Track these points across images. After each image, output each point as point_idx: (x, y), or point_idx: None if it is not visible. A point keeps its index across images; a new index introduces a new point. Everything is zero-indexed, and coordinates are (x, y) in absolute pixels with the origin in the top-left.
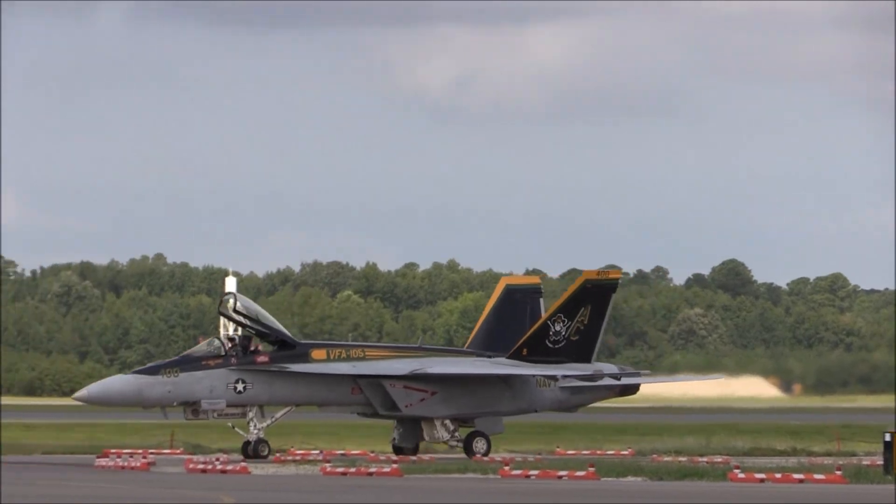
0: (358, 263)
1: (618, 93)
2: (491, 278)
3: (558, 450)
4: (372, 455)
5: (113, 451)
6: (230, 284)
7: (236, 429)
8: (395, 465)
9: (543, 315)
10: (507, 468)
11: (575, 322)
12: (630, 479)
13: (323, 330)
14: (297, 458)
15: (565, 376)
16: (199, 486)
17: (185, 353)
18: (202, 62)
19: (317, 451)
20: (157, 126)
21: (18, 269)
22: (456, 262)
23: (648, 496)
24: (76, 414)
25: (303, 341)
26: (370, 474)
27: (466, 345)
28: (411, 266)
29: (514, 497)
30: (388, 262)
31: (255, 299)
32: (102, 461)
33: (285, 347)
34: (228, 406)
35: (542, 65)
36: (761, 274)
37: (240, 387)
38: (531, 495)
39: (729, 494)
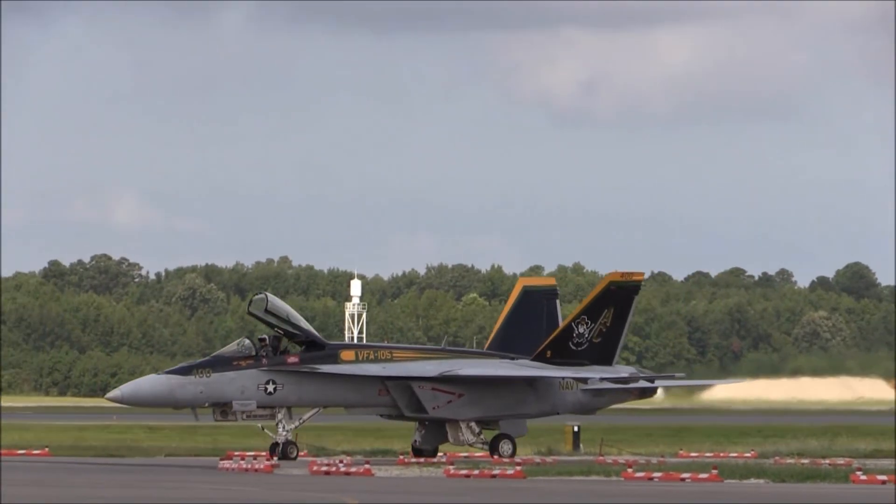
0: (483, 266)
1: (741, 95)
2: None
3: (681, 452)
4: (495, 458)
5: (236, 453)
6: (355, 287)
7: (265, 430)
8: (518, 468)
9: (565, 317)
10: (630, 470)
11: (598, 324)
12: (753, 481)
13: (448, 332)
14: (421, 460)
15: (602, 379)
16: (322, 489)
17: (217, 353)
18: (326, 64)
19: (440, 454)
20: (283, 129)
21: (143, 272)
22: (581, 265)
23: (771, 498)
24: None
25: (331, 342)
26: (493, 476)
27: (486, 346)
28: (536, 269)
29: (638, 499)
30: (514, 265)
31: (379, 303)
32: (226, 463)
33: (314, 348)
34: (258, 407)
35: (668, 68)
36: (885, 276)
37: (270, 388)
38: (655, 497)
39: (851, 496)
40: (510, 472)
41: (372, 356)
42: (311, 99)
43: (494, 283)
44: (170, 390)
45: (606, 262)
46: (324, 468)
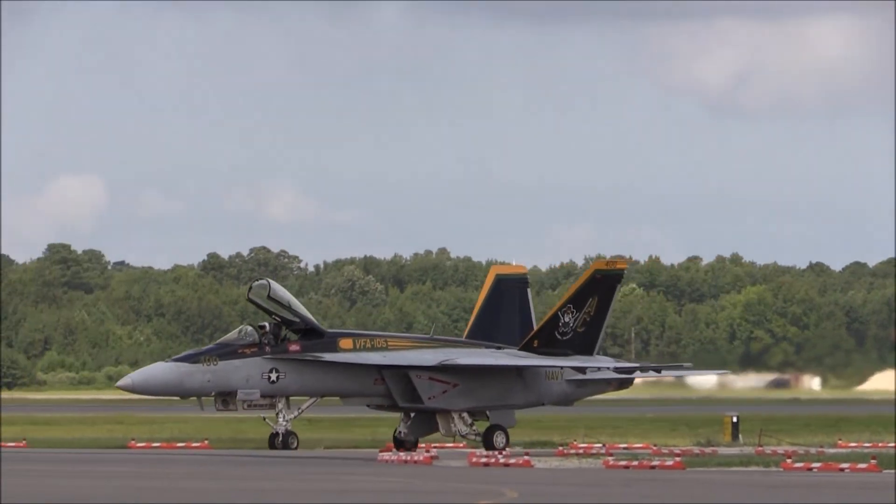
0: (641, 257)
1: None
2: (775, 271)
3: (840, 442)
4: (654, 448)
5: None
6: None
7: (267, 420)
8: (677, 459)
9: (553, 306)
10: (789, 461)
11: (582, 313)
12: None
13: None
14: (580, 451)
15: (618, 368)
16: (481, 481)
17: (221, 340)
18: (483, 56)
19: (599, 445)
20: (440, 119)
21: (301, 264)
22: (739, 256)
23: None
24: (359, 408)
25: (330, 330)
26: (652, 468)
27: (465, 335)
28: (694, 259)
29: (798, 491)
30: (671, 256)
31: (538, 294)
32: (385, 455)
33: (313, 336)
34: (261, 396)
35: (822, 59)
36: None
37: (273, 376)
38: (814, 488)
39: None
40: (669, 462)
41: (369, 345)
42: (468, 90)
43: (652, 274)
44: (179, 378)
45: (764, 252)
46: (483, 460)
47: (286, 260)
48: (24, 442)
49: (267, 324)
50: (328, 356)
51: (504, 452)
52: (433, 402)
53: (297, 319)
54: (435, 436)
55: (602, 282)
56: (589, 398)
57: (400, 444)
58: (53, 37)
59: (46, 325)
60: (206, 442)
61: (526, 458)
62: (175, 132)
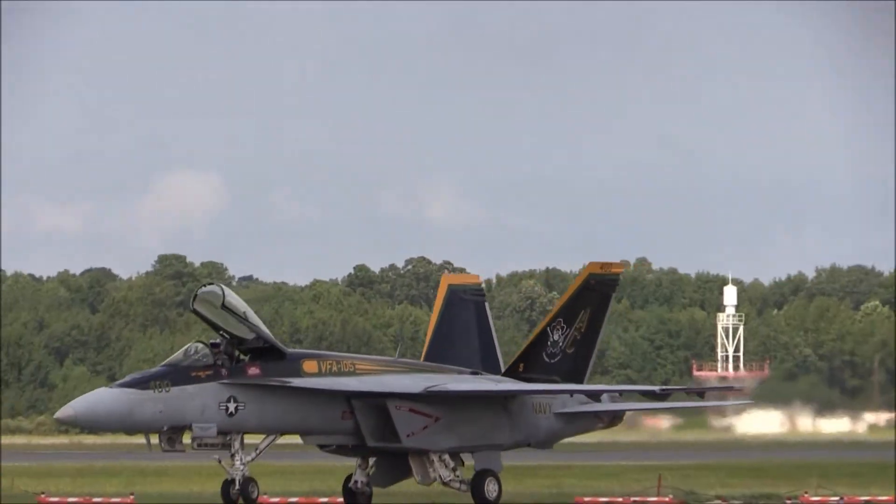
0: (886, 268)
1: None
2: None
3: None
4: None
5: (587, 498)
6: (729, 295)
7: (221, 463)
8: None
9: (540, 323)
10: None
11: (573, 330)
12: None
13: (843, 350)
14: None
15: (663, 390)
16: None
17: (169, 360)
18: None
19: (836, 498)
20: (641, 113)
21: None
22: None
23: None
24: (534, 453)
25: (291, 350)
26: None
27: (422, 357)
28: None
29: None
30: None
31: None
32: None
33: (272, 357)
34: (218, 433)
35: None
36: None
37: (231, 407)
38: None
39: None
40: None
41: (335, 368)
42: (670, 75)
43: None
44: (129, 408)
45: None
46: None
47: (450, 273)
48: (131, 497)
49: (221, 341)
50: (299, 382)
51: None
52: (412, 440)
53: (254, 335)
54: (402, 485)
55: (596, 290)
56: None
57: (352, 497)
58: (158, 27)
59: (157, 353)
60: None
61: None
62: (309, 125)
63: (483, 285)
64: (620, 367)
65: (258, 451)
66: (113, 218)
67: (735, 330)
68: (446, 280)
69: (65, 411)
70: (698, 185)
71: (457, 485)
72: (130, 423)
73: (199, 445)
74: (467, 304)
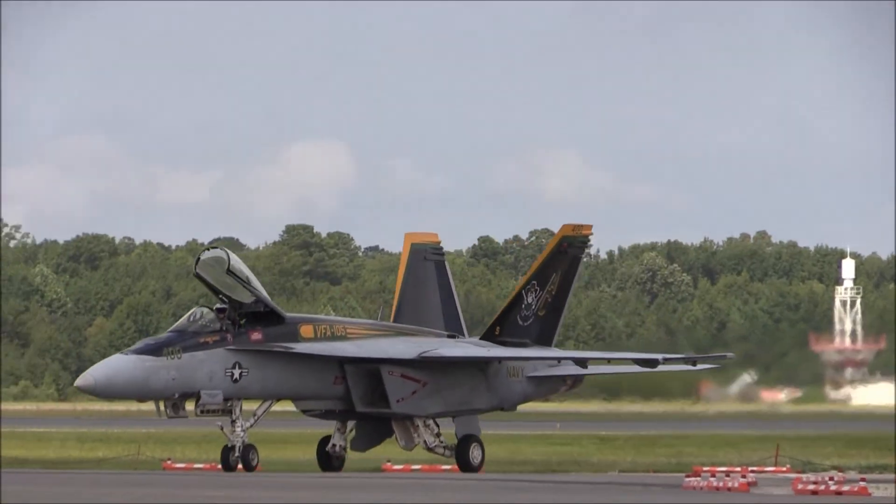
0: None
1: None
2: None
3: None
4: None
5: (705, 468)
6: (847, 269)
7: (223, 430)
8: None
9: (516, 286)
10: None
11: (545, 292)
12: None
13: None
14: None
15: (666, 359)
16: None
17: (176, 326)
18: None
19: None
20: (756, 84)
21: (592, 251)
22: None
23: None
24: (655, 423)
25: (289, 314)
26: None
27: (392, 318)
28: None
29: None
30: None
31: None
32: (692, 481)
33: (272, 322)
34: (224, 400)
35: None
36: None
37: (236, 373)
38: None
39: None
40: None
41: (329, 332)
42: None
43: None
44: (145, 377)
45: None
46: (810, 486)
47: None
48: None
49: (226, 306)
50: (301, 347)
51: (835, 478)
52: (401, 405)
53: (255, 299)
54: (377, 451)
55: (567, 252)
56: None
57: (327, 460)
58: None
59: None
60: None
61: (862, 484)
62: (434, 96)
63: (441, 244)
64: (739, 339)
65: (256, 417)
66: (240, 188)
67: (853, 303)
68: (409, 238)
69: (84, 380)
70: (818, 158)
71: (441, 450)
72: (146, 392)
73: (203, 412)
74: (429, 263)
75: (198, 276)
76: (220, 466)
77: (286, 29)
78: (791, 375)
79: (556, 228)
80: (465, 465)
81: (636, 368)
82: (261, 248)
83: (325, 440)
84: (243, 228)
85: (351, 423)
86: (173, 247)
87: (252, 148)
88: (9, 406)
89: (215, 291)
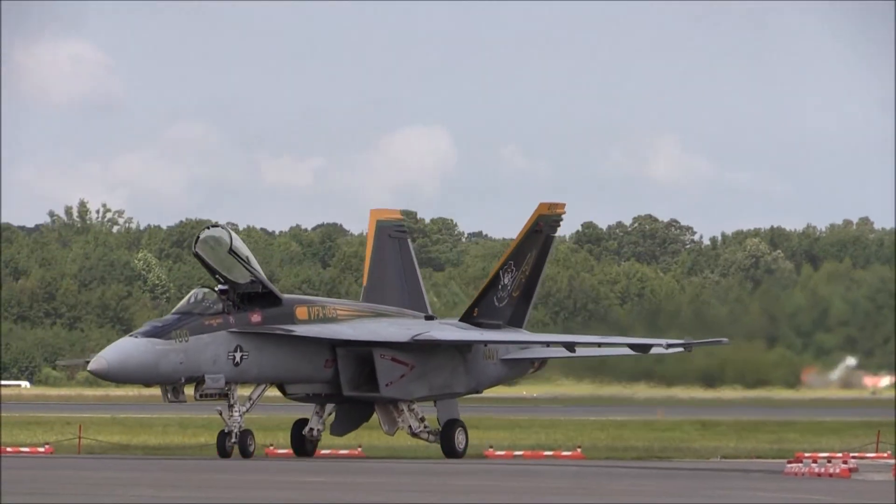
0: None
1: None
2: None
3: None
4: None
5: (807, 454)
6: None
7: (222, 415)
8: None
9: (494, 267)
10: None
11: (520, 272)
12: None
13: None
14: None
15: (670, 345)
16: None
17: (179, 308)
18: None
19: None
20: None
21: (695, 237)
22: None
23: None
24: (758, 409)
25: (285, 295)
26: None
27: (361, 299)
28: None
29: None
30: None
31: None
32: (794, 467)
33: (270, 304)
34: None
35: None
36: None
37: (237, 356)
38: None
39: None
40: None
41: (321, 314)
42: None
43: None
44: (156, 361)
45: None
46: None
47: (677, 231)
48: (359, 449)
49: (227, 287)
50: (301, 330)
51: None
52: (389, 389)
53: (254, 280)
54: (354, 434)
55: (542, 231)
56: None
57: (301, 443)
58: None
59: None
60: (579, 450)
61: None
62: (536, 82)
63: (404, 221)
64: (841, 324)
65: (252, 402)
66: (344, 173)
67: None
68: (374, 215)
69: (98, 363)
70: None
71: (425, 435)
72: (155, 376)
73: (202, 396)
74: (393, 241)
75: (196, 256)
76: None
77: (389, 15)
78: (893, 361)
79: (659, 215)
80: (451, 451)
81: (627, 351)
82: (364, 234)
83: (300, 424)
84: (346, 214)
85: (329, 407)
86: (277, 232)
87: (355, 134)
88: (112, 392)
89: (212, 271)
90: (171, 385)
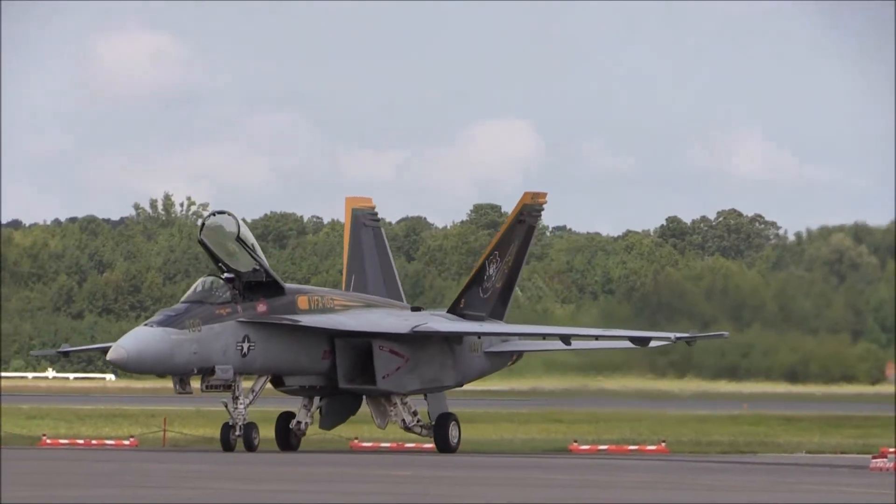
0: None
1: None
2: None
3: None
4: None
5: (891, 450)
6: None
7: (227, 406)
8: None
9: (480, 258)
10: None
11: (503, 263)
12: None
13: None
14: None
15: (679, 338)
16: None
17: (188, 296)
18: None
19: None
20: None
21: (780, 232)
22: None
23: None
24: (842, 404)
25: (288, 284)
26: None
27: (344, 289)
28: None
29: None
30: None
31: None
32: (879, 462)
33: (274, 293)
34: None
35: None
36: None
37: (245, 347)
38: None
39: None
40: None
41: (320, 304)
42: None
43: None
44: (171, 351)
45: None
46: None
47: (761, 226)
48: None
49: (234, 276)
50: (305, 319)
51: None
52: (385, 381)
53: (259, 268)
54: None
55: (525, 222)
56: None
57: (286, 437)
58: None
59: None
60: (664, 444)
61: None
62: (619, 75)
63: (377, 209)
64: None
65: (254, 394)
66: (427, 167)
67: None
68: (349, 203)
69: (116, 352)
70: None
71: (419, 429)
72: (170, 366)
73: (208, 388)
74: (367, 230)
75: (200, 243)
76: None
77: (472, 7)
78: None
79: (743, 209)
80: (445, 445)
81: (626, 344)
82: (448, 228)
83: (284, 417)
84: (430, 207)
85: (315, 401)
86: None
87: (437, 127)
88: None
89: (216, 259)
90: (180, 376)
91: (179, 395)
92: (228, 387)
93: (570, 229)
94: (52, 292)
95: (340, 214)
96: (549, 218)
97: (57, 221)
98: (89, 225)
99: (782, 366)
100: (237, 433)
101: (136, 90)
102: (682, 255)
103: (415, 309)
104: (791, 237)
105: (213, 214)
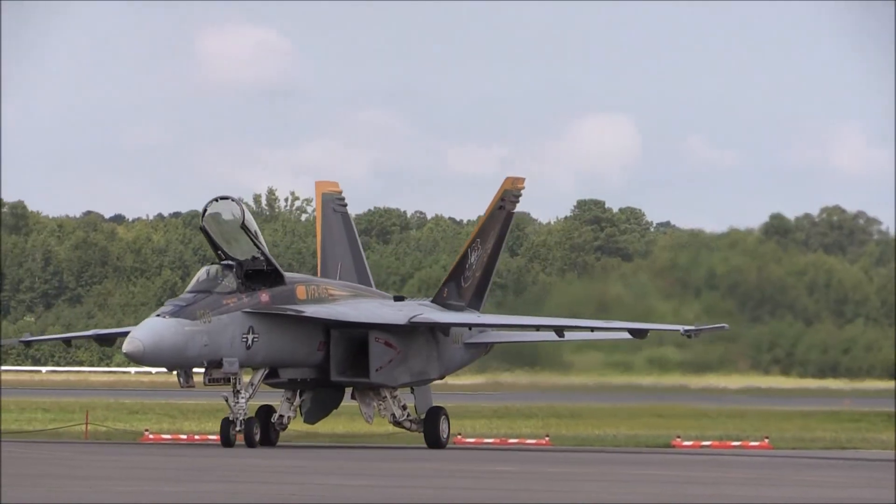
0: None
1: None
2: None
3: None
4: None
5: None
6: None
7: (228, 401)
8: None
9: (463, 245)
10: None
11: (483, 250)
12: None
13: None
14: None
15: (687, 331)
16: None
17: (194, 286)
18: None
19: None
20: None
21: (882, 228)
22: None
23: None
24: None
25: (287, 273)
26: None
27: (320, 275)
28: None
29: None
30: None
31: None
32: None
33: (275, 283)
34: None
35: None
36: None
37: (250, 338)
38: None
39: None
40: None
41: (316, 294)
42: None
43: None
44: (185, 343)
45: None
46: None
47: (864, 223)
48: (546, 439)
49: (234, 264)
50: (309, 310)
51: None
52: (378, 374)
53: (261, 257)
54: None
55: (505, 208)
56: None
57: (266, 433)
58: None
59: (576, 298)
60: (767, 441)
61: None
62: (719, 69)
63: (343, 194)
64: None
65: (254, 388)
66: (530, 162)
67: None
68: (319, 188)
69: (133, 345)
70: None
71: (408, 424)
72: (183, 359)
73: (211, 381)
74: (337, 215)
75: (203, 231)
76: (509, 441)
77: (571, 5)
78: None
79: (847, 206)
80: (435, 440)
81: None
82: (552, 223)
83: (264, 411)
84: (533, 202)
85: (303, 394)
86: (465, 221)
87: (539, 121)
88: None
89: (215, 247)
90: (185, 369)
91: (183, 388)
92: (228, 380)
93: (673, 225)
94: (156, 287)
95: (444, 210)
96: (652, 214)
97: (160, 216)
98: (192, 220)
99: (886, 361)
100: (237, 428)
101: (239, 84)
102: (784, 251)
103: (397, 298)
104: (892, 233)
105: (216, 200)
